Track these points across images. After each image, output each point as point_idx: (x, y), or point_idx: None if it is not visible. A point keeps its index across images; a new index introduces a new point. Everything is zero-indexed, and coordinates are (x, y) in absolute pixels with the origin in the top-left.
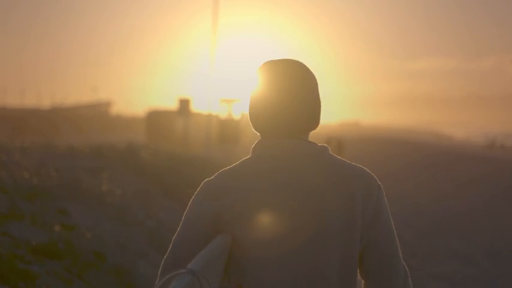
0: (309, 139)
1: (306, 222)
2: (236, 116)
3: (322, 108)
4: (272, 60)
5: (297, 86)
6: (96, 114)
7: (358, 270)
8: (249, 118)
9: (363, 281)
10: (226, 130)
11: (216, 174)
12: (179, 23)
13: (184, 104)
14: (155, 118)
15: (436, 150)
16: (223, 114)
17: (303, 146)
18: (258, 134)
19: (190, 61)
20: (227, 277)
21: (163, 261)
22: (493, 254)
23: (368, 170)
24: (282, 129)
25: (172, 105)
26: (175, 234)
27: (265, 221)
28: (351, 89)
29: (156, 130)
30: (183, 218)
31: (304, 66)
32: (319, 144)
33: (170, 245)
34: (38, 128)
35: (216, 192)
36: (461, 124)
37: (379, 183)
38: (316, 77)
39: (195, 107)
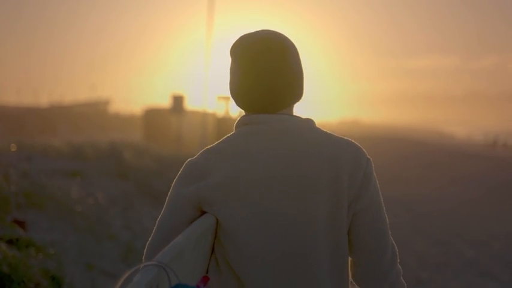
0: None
1: (293, 202)
2: (234, 114)
3: (305, 86)
4: (247, 34)
5: (275, 58)
6: (95, 112)
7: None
8: (230, 94)
9: (350, 258)
10: (224, 128)
11: (199, 153)
12: (177, 21)
13: (178, 101)
14: (152, 116)
15: (439, 149)
16: (220, 112)
17: (286, 120)
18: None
19: (188, 59)
20: (213, 260)
21: (147, 245)
22: (510, 264)
23: (356, 143)
24: (264, 104)
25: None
26: (159, 217)
27: (248, 200)
28: (350, 87)
29: (153, 129)
30: (166, 200)
31: (283, 36)
32: (304, 117)
33: (154, 228)
34: (36, 126)
35: (199, 172)
36: (462, 122)
37: (368, 156)
38: (315, 74)
39: (190, 105)
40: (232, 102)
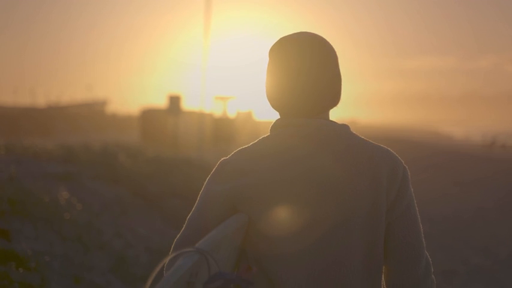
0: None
1: (330, 208)
2: (231, 115)
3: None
4: (288, 36)
5: (315, 62)
6: (92, 113)
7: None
8: (266, 96)
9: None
10: (221, 129)
11: (233, 153)
12: (174, 21)
13: (174, 101)
14: (148, 117)
15: (437, 150)
16: (217, 112)
17: (323, 125)
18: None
19: (186, 59)
20: (244, 255)
21: (175, 241)
22: None
23: (393, 152)
24: (301, 108)
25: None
26: (190, 214)
27: (284, 203)
28: (346, 88)
29: (150, 129)
30: (198, 198)
31: (323, 39)
32: (340, 123)
33: (184, 225)
34: (33, 127)
35: (232, 172)
36: (460, 123)
37: (405, 165)
38: None
39: (188, 105)
40: (229, 102)
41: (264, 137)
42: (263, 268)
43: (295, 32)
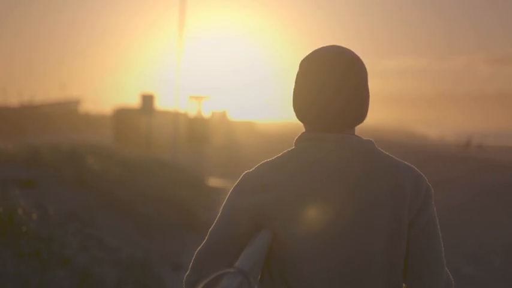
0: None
1: (352, 220)
2: (206, 114)
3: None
4: (322, 48)
5: (347, 77)
6: (65, 112)
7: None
8: (292, 107)
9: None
10: (196, 129)
11: (257, 166)
12: (148, 20)
13: (147, 100)
14: (121, 117)
15: (412, 150)
16: (192, 112)
17: (350, 141)
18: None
19: (160, 58)
20: (267, 273)
21: (196, 253)
22: (508, 278)
23: (416, 169)
24: (329, 122)
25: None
26: (212, 227)
27: (309, 217)
28: None
29: (123, 130)
30: (220, 210)
31: (355, 55)
32: (365, 139)
33: (206, 237)
34: (4, 126)
35: (257, 185)
36: (434, 123)
37: (428, 183)
38: (288, 75)
39: (161, 105)
40: (204, 102)
41: (288, 150)
42: (287, 283)
43: (328, 45)
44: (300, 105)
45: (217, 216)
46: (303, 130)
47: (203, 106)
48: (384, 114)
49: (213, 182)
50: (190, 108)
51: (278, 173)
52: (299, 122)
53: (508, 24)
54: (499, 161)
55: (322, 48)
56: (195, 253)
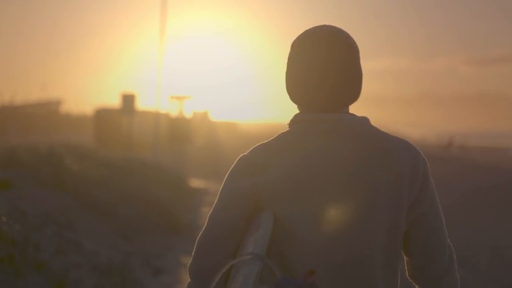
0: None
1: (351, 201)
2: (188, 115)
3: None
4: (313, 28)
5: (339, 56)
6: (46, 113)
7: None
8: (286, 88)
9: (405, 258)
10: (177, 130)
11: (252, 149)
12: (129, 20)
13: (128, 100)
14: (102, 117)
15: None
16: (173, 112)
17: (345, 119)
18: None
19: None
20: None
21: (197, 240)
22: (495, 281)
23: (412, 144)
24: (324, 102)
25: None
26: (211, 212)
27: (307, 196)
28: None
29: (104, 130)
30: (218, 195)
31: (346, 34)
32: (360, 116)
33: (205, 223)
34: None
35: (254, 167)
36: (415, 124)
37: (424, 157)
38: (270, 74)
39: (142, 105)
40: (186, 102)
41: (283, 132)
42: (286, 264)
43: (318, 25)
44: (293, 86)
45: (216, 200)
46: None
47: (185, 106)
48: (365, 115)
49: (195, 182)
50: (171, 108)
51: (274, 155)
52: (281, 121)
53: (488, 26)
54: (481, 162)
55: (314, 28)
56: (197, 240)
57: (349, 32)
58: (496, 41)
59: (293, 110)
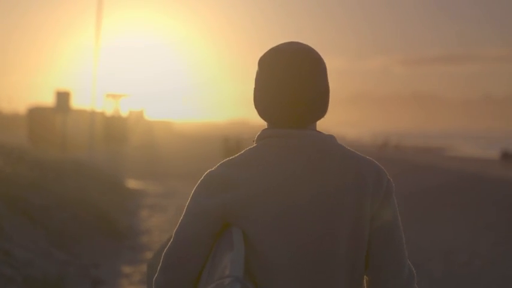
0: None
1: (318, 220)
2: (124, 113)
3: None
4: (279, 45)
5: (305, 72)
6: None
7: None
8: (254, 104)
9: (365, 278)
10: (113, 128)
11: (219, 164)
12: (65, 18)
13: (62, 97)
14: (36, 116)
15: None
16: (109, 110)
17: (311, 136)
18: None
19: (77, 57)
20: None
21: (164, 254)
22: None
23: (377, 163)
24: (290, 118)
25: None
26: (178, 227)
27: (276, 216)
28: (240, 88)
29: (37, 129)
30: (185, 210)
31: (313, 50)
32: (326, 134)
33: (172, 238)
34: None
35: (221, 184)
36: (350, 124)
37: (389, 177)
38: (206, 74)
39: (78, 103)
40: (122, 100)
41: (250, 148)
42: (254, 280)
43: (285, 42)
44: (261, 103)
45: (182, 216)
46: (226, 133)
47: (120, 105)
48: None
49: (133, 183)
50: (107, 107)
51: (242, 171)
52: (215, 121)
53: (423, 26)
54: (419, 162)
55: (280, 45)
56: (163, 254)
57: (284, 31)
58: (432, 41)
59: (225, 110)
